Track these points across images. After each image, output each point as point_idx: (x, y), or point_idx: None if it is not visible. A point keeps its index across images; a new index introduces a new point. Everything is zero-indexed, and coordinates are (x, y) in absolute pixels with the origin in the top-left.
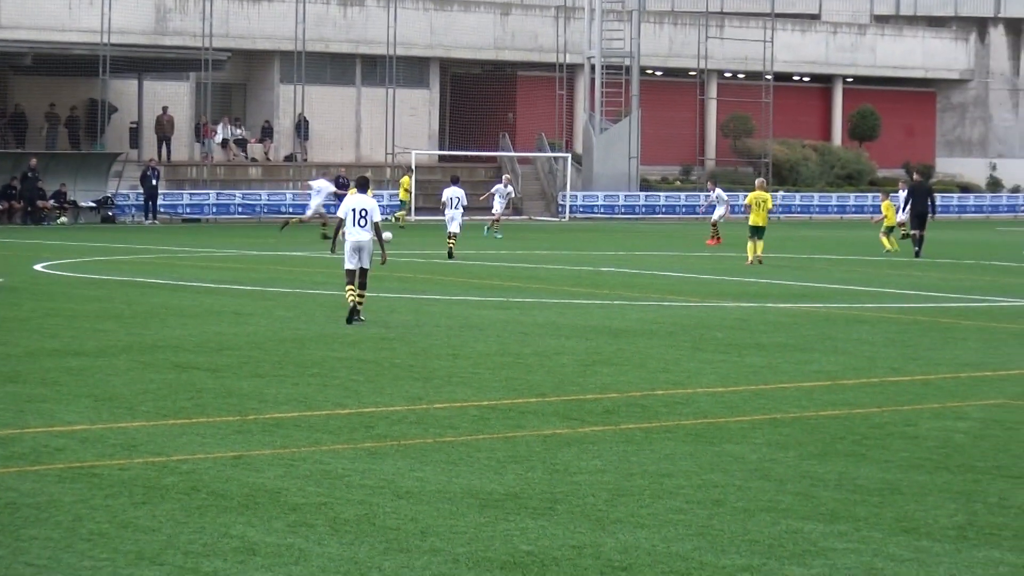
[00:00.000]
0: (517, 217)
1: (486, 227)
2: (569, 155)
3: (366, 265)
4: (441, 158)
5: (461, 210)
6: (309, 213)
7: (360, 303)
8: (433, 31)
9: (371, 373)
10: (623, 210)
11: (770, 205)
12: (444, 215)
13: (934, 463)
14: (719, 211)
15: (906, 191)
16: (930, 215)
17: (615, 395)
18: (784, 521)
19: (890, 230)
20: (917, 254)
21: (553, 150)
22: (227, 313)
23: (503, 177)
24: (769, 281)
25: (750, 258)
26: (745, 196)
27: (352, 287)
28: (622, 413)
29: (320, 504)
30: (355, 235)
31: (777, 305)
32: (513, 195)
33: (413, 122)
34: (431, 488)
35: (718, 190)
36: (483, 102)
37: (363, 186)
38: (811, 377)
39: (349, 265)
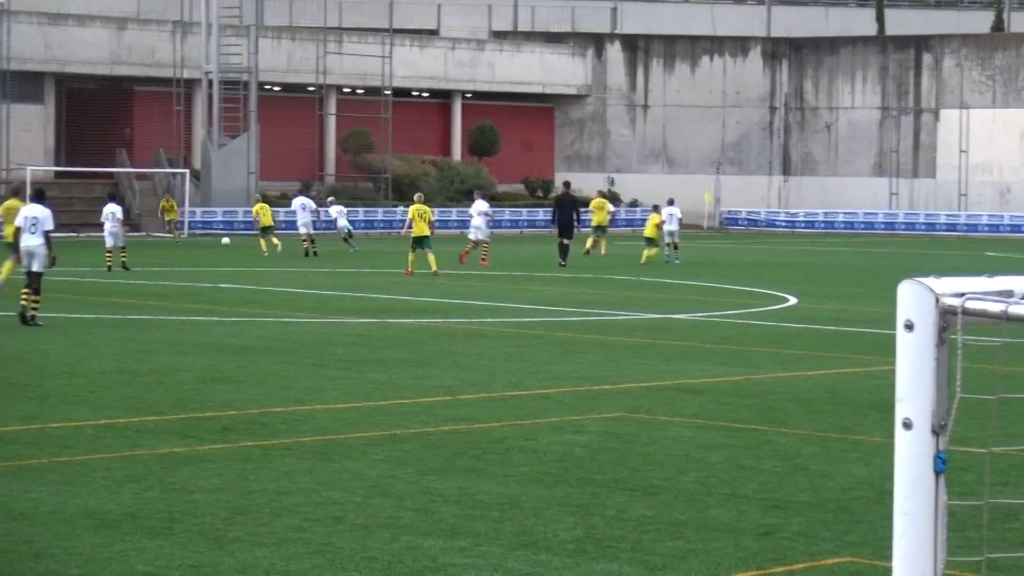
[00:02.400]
0: (135, 234)
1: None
2: (187, 171)
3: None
4: (57, 174)
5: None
6: (303, 231)
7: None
8: (48, 45)
9: None
10: (243, 226)
11: (431, 217)
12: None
13: (553, 477)
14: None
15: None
16: (576, 226)
17: (234, 413)
18: (404, 537)
19: (650, 241)
20: (563, 264)
21: (172, 165)
22: None
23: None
24: (390, 296)
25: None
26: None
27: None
28: (241, 431)
29: None
30: (27, 241)
31: (398, 320)
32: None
33: (28, 137)
34: (45, 509)
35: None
36: (100, 117)
37: (38, 197)
38: (431, 392)
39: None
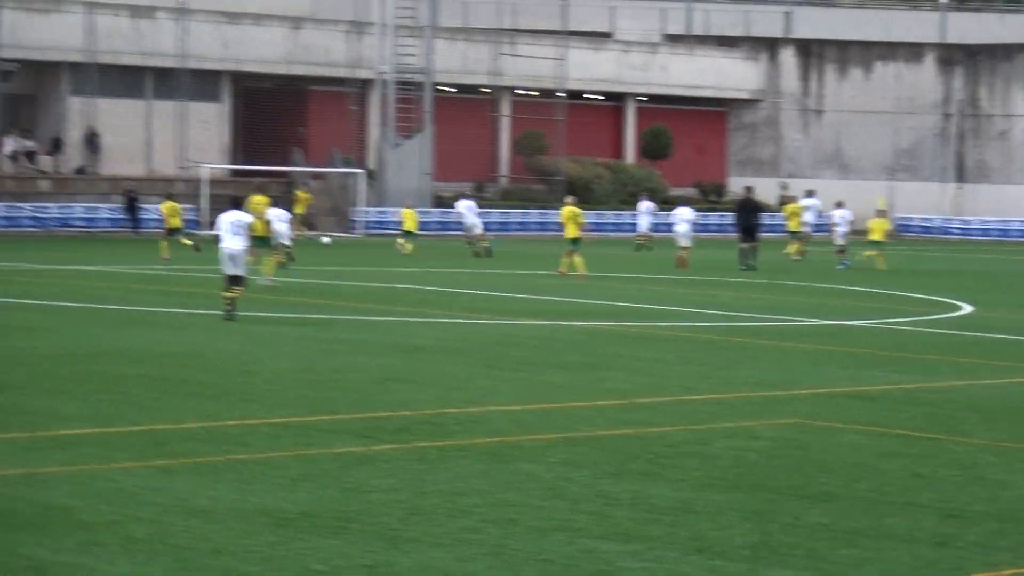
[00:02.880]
0: (310, 233)
1: (478, 246)
2: (362, 171)
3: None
4: (233, 172)
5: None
6: (476, 232)
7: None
8: (225, 44)
9: (164, 390)
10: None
11: (582, 220)
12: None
13: (728, 482)
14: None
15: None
16: (758, 230)
17: (409, 413)
18: (579, 540)
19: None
20: (752, 267)
21: (346, 165)
22: (17, 328)
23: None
24: (564, 299)
25: (563, 269)
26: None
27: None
28: (416, 431)
29: (111, 522)
30: (229, 244)
31: (572, 323)
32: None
33: (205, 136)
34: (223, 507)
35: (647, 202)
36: (275, 116)
37: (235, 204)
38: (605, 395)
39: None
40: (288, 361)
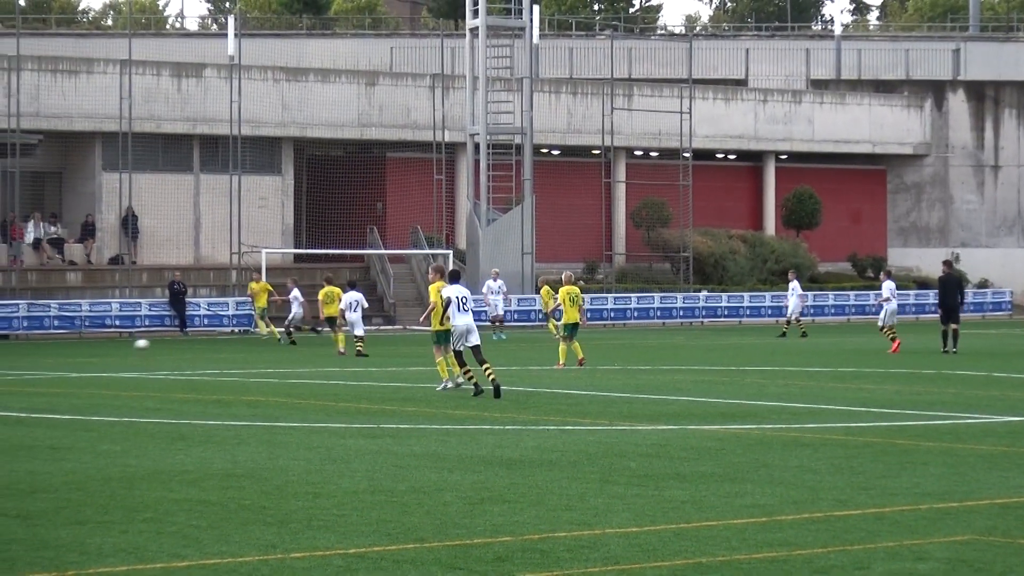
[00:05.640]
0: (389, 327)
1: (493, 332)
2: (451, 252)
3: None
4: (297, 258)
5: (360, 312)
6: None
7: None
8: (285, 106)
9: (215, 517)
10: (517, 316)
11: (581, 301)
12: (346, 319)
13: None
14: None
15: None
16: (961, 308)
17: (508, 539)
18: None
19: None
20: (951, 351)
21: (431, 245)
22: (41, 448)
23: (492, 271)
24: (691, 399)
25: (562, 361)
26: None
27: (467, 368)
28: (517, 560)
29: None
30: (461, 319)
31: (701, 427)
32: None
33: (263, 215)
34: None
35: (889, 282)
36: (346, 190)
37: (455, 278)
38: (743, 513)
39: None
40: (362, 480)
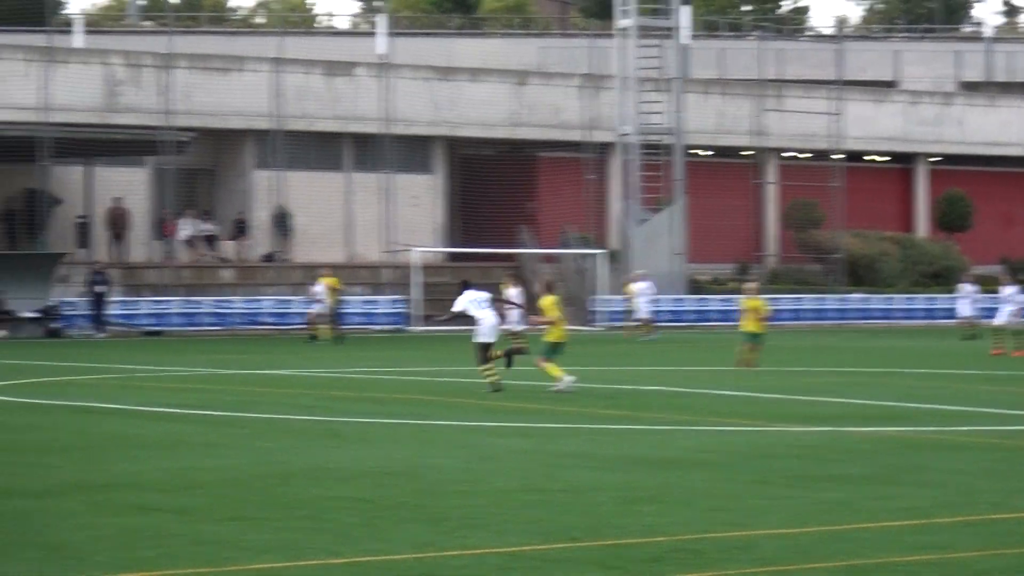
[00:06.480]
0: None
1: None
2: (603, 251)
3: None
4: (450, 256)
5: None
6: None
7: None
8: (437, 105)
9: (370, 515)
10: (668, 316)
11: (765, 311)
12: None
13: None
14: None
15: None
16: None
17: (662, 538)
18: None
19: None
20: None
21: (583, 246)
22: (197, 444)
23: (635, 273)
24: (844, 400)
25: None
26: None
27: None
28: (671, 560)
29: None
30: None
31: (854, 429)
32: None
33: (415, 213)
34: None
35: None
36: (498, 189)
37: (469, 286)
38: (897, 515)
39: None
40: (515, 479)
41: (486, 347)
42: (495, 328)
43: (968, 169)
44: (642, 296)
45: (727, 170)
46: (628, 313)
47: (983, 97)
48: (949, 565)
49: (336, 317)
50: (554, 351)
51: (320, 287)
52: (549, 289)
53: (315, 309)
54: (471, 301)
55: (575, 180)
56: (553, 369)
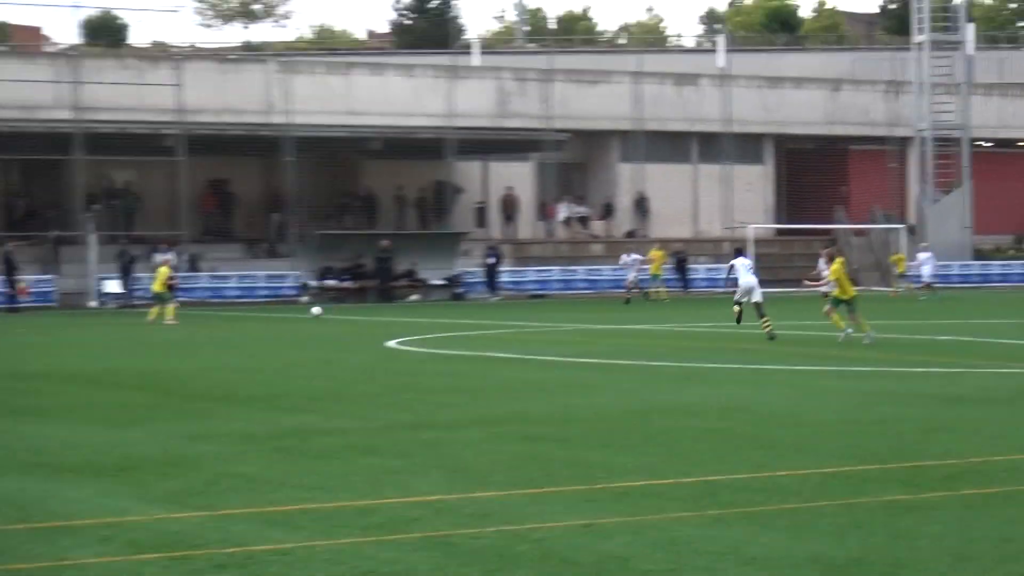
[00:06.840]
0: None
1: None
2: (903, 226)
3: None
4: (778, 231)
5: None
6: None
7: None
8: (767, 108)
9: (714, 442)
10: (957, 279)
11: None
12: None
13: None
14: None
15: None
16: None
17: (955, 461)
18: None
19: (838, 303)
20: None
21: (887, 222)
22: (575, 385)
23: (921, 244)
24: None
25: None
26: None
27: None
28: (962, 479)
29: (667, 570)
30: (746, 279)
31: None
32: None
33: (749, 197)
34: (775, 554)
35: None
36: (817, 176)
37: (741, 252)
38: None
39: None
40: (833, 412)
41: (758, 305)
42: (757, 288)
43: None
44: (925, 264)
45: (1006, 158)
46: (899, 277)
47: None
48: None
49: (641, 283)
50: (843, 305)
51: (631, 257)
52: (831, 258)
53: (631, 276)
54: (741, 266)
55: (880, 168)
56: (839, 320)
